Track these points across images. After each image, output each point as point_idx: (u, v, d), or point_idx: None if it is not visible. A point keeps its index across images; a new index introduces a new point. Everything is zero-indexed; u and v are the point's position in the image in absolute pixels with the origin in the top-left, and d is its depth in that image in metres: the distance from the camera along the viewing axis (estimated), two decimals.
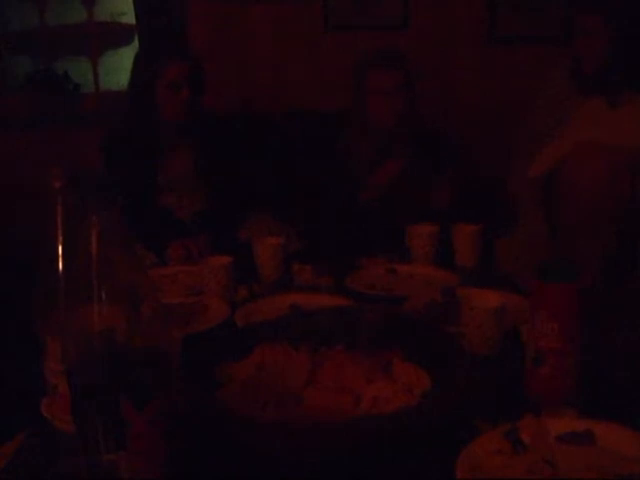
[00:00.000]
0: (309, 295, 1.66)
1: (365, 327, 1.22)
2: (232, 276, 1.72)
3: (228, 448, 0.97)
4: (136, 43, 3.20)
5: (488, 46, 3.19)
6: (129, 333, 0.80)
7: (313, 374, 1.12)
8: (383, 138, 2.34)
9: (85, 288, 0.79)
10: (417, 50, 2.50)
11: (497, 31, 3.18)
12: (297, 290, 1.73)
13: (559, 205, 2.11)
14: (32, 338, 1.01)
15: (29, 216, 1.27)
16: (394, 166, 2.31)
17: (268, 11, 3.14)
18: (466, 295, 1.46)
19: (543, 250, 1.92)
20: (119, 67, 3.28)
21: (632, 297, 1.46)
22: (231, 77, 3.09)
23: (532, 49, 3.04)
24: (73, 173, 1.00)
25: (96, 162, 2.29)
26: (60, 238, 1.01)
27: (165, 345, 0.82)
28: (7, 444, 1.05)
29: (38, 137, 3.05)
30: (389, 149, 2.35)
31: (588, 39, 2.20)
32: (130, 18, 3.21)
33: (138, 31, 3.14)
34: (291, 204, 2.48)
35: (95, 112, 3.16)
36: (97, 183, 0.85)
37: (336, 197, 2.32)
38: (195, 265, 1.89)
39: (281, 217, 2.35)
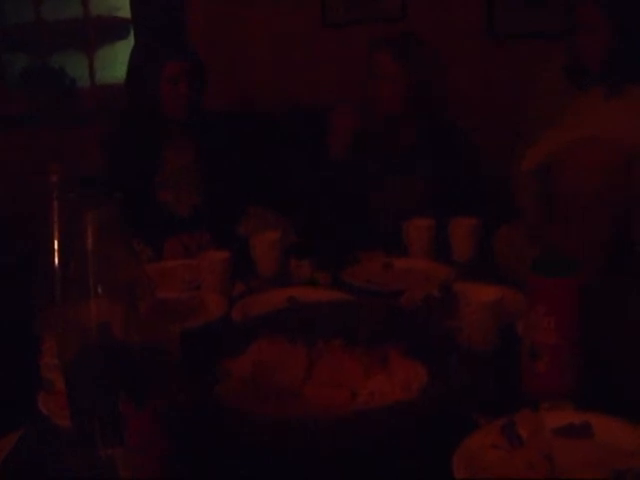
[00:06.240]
0: (306, 289, 1.66)
1: (363, 322, 1.22)
2: (230, 271, 1.72)
3: (227, 444, 0.97)
4: (132, 37, 3.19)
5: (487, 39, 3.18)
6: (126, 329, 0.80)
7: (310, 370, 1.12)
8: (386, 122, 2.33)
9: (82, 284, 0.79)
10: None
11: (496, 24, 3.17)
12: (295, 284, 1.73)
13: (556, 201, 2.10)
14: (28, 334, 1.01)
15: (28, 214, 1.26)
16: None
17: (266, 9, 3.13)
18: (463, 289, 1.45)
19: (541, 244, 1.92)
20: (115, 61, 3.26)
21: (630, 293, 1.46)
22: (231, 76, 3.08)
23: (532, 43, 3.03)
24: (70, 169, 1.00)
25: (95, 159, 2.28)
26: (56, 233, 1.01)
27: (163, 341, 0.82)
28: (4, 440, 1.05)
29: (35, 134, 3.04)
30: (391, 134, 2.34)
31: (590, 34, 2.17)
32: (126, 12, 3.20)
33: (134, 25, 3.13)
34: (290, 202, 2.47)
35: (93, 109, 3.14)
36: (94, 179, 0.85)
37: (335, 193, 2.31)
38: (193, 260, 1.89)
39: (279, 211, 2.34)
